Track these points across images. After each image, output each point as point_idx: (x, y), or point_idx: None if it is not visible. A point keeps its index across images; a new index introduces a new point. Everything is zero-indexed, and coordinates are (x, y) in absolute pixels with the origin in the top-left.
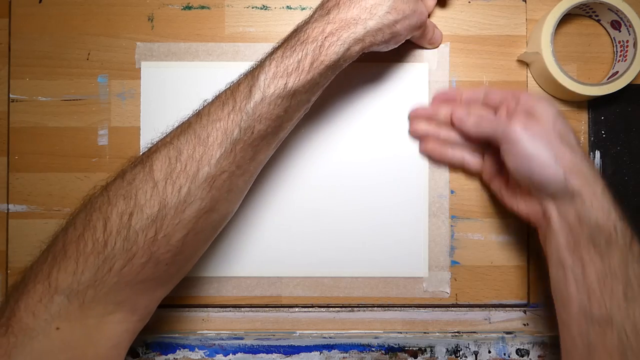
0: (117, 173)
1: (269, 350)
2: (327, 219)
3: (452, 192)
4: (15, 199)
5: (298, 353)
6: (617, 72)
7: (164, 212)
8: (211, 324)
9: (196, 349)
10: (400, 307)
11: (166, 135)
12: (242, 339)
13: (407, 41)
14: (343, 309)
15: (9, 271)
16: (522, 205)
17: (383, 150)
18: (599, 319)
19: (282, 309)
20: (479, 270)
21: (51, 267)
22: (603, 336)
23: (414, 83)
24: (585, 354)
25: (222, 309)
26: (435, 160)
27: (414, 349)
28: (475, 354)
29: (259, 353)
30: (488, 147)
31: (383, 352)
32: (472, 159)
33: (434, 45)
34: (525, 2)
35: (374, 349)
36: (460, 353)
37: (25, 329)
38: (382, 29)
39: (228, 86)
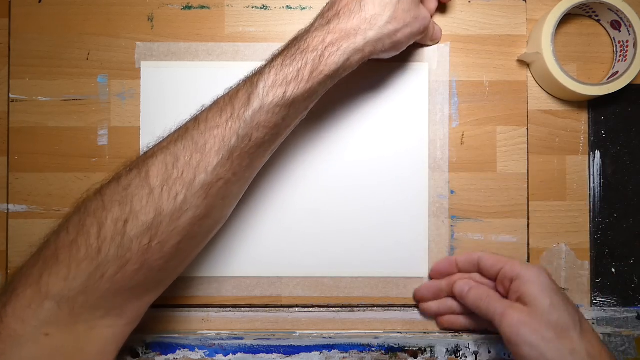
0: (112, 177)
1: (269, 350)
2: (327, 219)
3: (452, 192)
4: (15, 199)
5: (298, 353)
6: (617, 72)
7: (160, 219)
8: (211, 324)
9: (196, 349)
10: (400, 307)
11: (162, 140)
12: (242, 339)
13: None
14: (343, 309)
15: (9, 271)
16: None
17: (383, 150)
18: None
19: (282, 309)
20: None
21: (42, 271)
22: None
23: (414, 83)
24: None
25: (222, 309)
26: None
27: (414, 349)
28: (475, 354)
29: (259, 353)
30: None
31: (383, 352)
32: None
33: (435, 41)
34: (525, 2)
35: (374, 349)
36: (460, 353)
37: (14, 336)
38: (382, 39)
39: (227, 92)
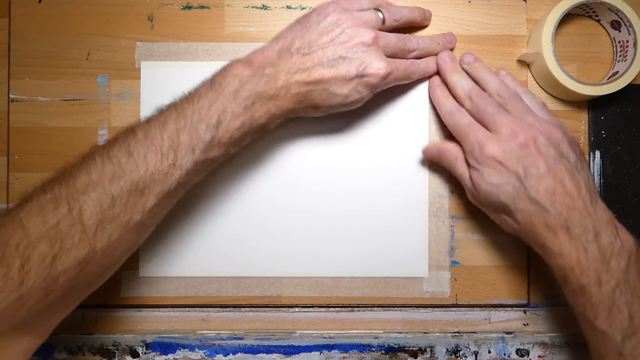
0: (29, 203)
1: (269, 350)
2: (327, 219)
3: (452, 192)
4: (15, 199)
5: (298, 353)
6: (617, 72)
7: (92, 255)
8: (211, 324)
9: (196, 349)
10: (400, 307)
11: (92, 173)
12: (242, 339)
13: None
14: (343, 309)
15: None
16: None
17: (383, 151)
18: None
19: (282, 309)
20: (479, 270)
21: None
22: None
23: (414, 83)
24: None
25: (222, 309)
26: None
27: (414, 349)
28: (475, 354)
29: (259, 353)
30: None
31: (383, 352)
32: None
33: (427, 74)
34: (526, 2)
35: (374, 349)
36: (460, 353)
37: None
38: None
39: (161, 123)
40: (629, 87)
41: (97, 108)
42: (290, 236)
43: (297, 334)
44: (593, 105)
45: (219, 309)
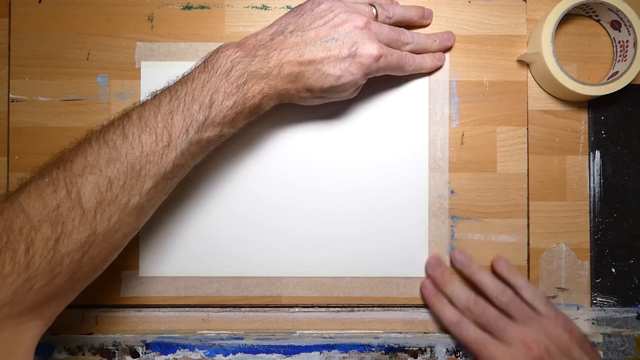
0: (29, 187)
1: (269, 350)
2: (327, 219)
3: (452, 192)
4: None
5: (298, 353)
6: (617, 72)
7: (93, 237)
8: (211, 324)
9: (196, 349)
10: (400, 307)
11: (89, 156)
12: (242, 339)
13: None
14: (343, 309)
15: None
16: None
17: (383, 151)
18: None
19: (282, 309)
20: None
21: None
22: None
23: (414, 83)
24: None
25: (222, 309)
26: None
27: (414, 349)
28: None
29: (259, 353)
30: None
31: (383, 352)
32: None
33: (421, 70)
34: (525, 2)
35: (374, 349)
36: (460, 353)
37: None
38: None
39: (156, 105)
40: (629, 87)
41: (97, 108)
42: (290, 236)
43: (297, 334)
44: (593, 105)
45: (219, 309)
